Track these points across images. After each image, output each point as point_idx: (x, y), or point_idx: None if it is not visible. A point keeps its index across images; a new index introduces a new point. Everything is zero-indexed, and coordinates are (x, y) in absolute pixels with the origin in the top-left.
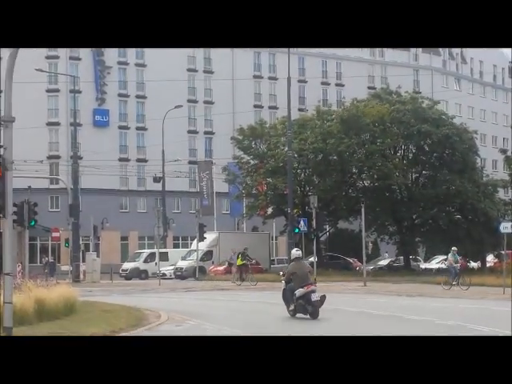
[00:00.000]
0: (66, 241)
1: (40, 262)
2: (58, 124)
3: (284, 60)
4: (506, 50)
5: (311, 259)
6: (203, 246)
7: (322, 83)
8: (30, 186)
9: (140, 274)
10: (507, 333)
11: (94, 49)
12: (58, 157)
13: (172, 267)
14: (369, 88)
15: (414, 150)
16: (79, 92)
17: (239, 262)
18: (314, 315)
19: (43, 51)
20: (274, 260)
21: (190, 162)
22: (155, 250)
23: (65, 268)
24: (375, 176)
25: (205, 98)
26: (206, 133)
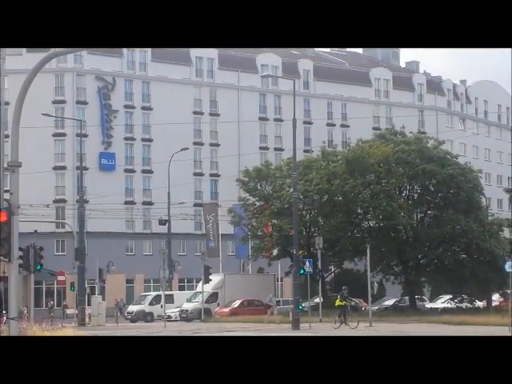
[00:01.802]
0: (72, 284)
1: (46, 306)
2: (64, 168)
3: (289, 102)
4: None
5: (317, 300)
6: (209, 288)
7: (328, 124)
8: (36, 230)
9: (145, 317)
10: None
11: (100, 92)
12: (64, 201)
13: (177, 309)
14: (374, 129)
15: (419, 190)
16: (86, 136)
17: (338, 302)
18: None
19: (50, 96)
20: (279, 301)
21: (196, 205)
22: (161, 293)
23: (70, 311)
24: (380, 216)
25: (210, 141)
26: (211, 175)
